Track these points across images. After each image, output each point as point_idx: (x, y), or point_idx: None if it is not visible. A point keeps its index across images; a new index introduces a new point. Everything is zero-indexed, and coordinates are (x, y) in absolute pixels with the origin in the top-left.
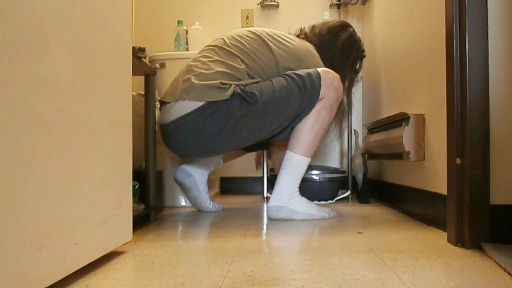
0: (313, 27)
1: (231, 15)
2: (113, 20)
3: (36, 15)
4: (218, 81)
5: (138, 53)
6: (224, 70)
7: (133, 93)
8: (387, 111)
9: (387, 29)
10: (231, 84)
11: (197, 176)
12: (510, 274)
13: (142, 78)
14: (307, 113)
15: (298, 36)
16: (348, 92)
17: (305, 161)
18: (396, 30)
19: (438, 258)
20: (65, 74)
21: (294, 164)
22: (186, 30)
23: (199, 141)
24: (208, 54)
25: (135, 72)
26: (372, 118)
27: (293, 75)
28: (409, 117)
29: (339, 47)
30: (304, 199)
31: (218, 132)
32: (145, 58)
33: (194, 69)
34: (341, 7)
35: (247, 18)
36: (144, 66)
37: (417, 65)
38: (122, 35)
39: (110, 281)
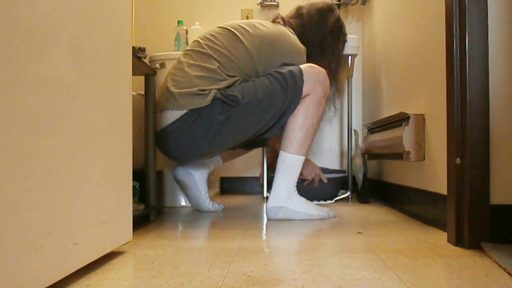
0: (299, 8)
1: (231, 15)
2: (113, 20)
3: (36, 15)
4: (196, 88)
5: (138, 53)
6: (200, 74)
7: (133, 93)
8: (387, 111)
9: (387, 29)
10: (210, 90)
11: (196, 174)
12: (510, 274)
13: (142, 78)
14: (293, 110)
15: (273, 21)
16: (335, 75)
17: (299, 160)
18: (396, 30)
19: (438, 258)
20: (65, 74)
21: (288, 164)
22: (186, 30)
23: (187, 147)
24: (184, 60)
25: (135, 72)
26: (372, 118)
27: (275, 73)
28: (409, 117)
29: (329, 29)
30: (303, 199)
31: (203, 137)
32: (145, 58)
33: (174, 77)
34: (341, 7)
35: (247, 18)
36: (144, 66)
37: (417, 65)
38: (122, 35)
39: (110, 281)
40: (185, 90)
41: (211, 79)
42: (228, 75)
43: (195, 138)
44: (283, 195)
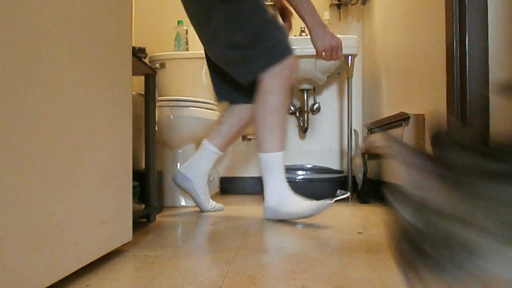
0: None
1: None
2: (113, 20)
3: (36, 15)
4: None
5: (138, 53)
6: None
7: (133, 93)
8: (387, 111)
9: (387, 29)
10: None
11: (195, 180)
12: None
13: (142, 78)
14: (256, 70)
15: None
16: None
17: (274, 157)
18: (396, 30)
19: None
20: (65, 74)
21: (267, 164)
22: (186, 30)
23: None
24: None
25: (135, 72)
26: (372, 118)
27: (269, 23)
28: (409, 117)
29: None
30: (293, 198)
31: None
32: (145, 58)
33: None
34: (341, 7)
35: None
36: (144, 66)
37: (417, 65)
38: (122, 35)
39: (110, 281)
40: None
41: None
42: None
43: None
44: (273, 195)
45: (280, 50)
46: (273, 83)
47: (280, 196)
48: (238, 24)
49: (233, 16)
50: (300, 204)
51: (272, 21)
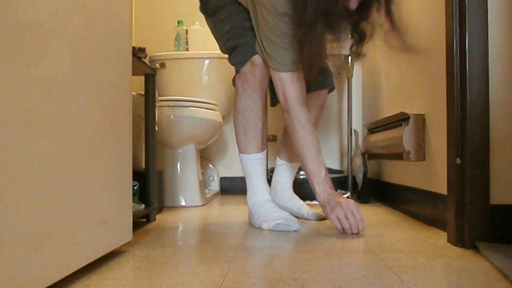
0: None
1: None
2: (113, 20)
3: (36, 15)
4: None
5: (138, 53)
6: None
7: (133, 93)
8: (387, 111)
9: None
10: None
11: (286, 202)
12: (504, 275)
13: (142, 78)
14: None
15: None
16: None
17: (248, 158)
18: None
19: (438, 258)
20: (65, 74)
21: (243, 165)
22: (186, 30)
23: None
24: None
25: (135, 72)
26: (372, 118)
27: (235, 32)
28: (409, 117)
29: None
30: (265, 206)
31: None
32: (145, 58)
33: None
34: None
35: None
36: (144, 66)
37: (417, 65)
38: (122, 35)
39: (110, 281)
40: None
41: None
42: None
43: None
44: (250, 198)
45: (245, 52)
46: (239, 84)
47: (254, 201)
48: (218, 34)
49: (212, 28)
50: (268, 216)
51: (239, 26)
